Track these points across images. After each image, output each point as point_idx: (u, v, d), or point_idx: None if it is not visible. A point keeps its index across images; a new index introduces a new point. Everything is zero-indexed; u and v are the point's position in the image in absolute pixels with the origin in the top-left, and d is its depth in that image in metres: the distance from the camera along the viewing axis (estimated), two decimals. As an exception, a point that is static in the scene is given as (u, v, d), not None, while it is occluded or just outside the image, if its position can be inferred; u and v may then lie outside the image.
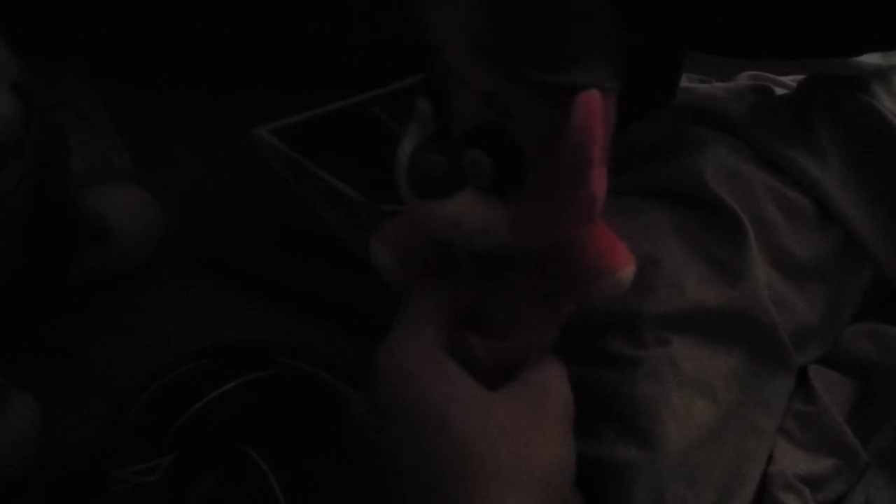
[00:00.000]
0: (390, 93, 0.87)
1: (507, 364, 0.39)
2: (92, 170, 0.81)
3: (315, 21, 0.91)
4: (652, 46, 0.61)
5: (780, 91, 0.66)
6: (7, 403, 0.59)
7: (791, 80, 0.69)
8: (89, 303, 0.71)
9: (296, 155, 0.79)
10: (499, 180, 0.35)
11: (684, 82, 0.71)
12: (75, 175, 0.72)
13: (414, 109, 0.38)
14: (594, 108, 0.33)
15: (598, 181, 0.35)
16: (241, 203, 0.81)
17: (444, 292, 0.40)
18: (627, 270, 0.39)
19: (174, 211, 0.77)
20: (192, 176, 0.83)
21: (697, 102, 0.63)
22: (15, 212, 0.58)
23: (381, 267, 0.42)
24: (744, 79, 0.70)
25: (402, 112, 0.85)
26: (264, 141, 0.81)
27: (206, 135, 0.87)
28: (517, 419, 0.37)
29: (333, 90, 0.86)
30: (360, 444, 0.57)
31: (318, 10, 0.90)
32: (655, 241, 0.54)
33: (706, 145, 0.58)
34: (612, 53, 0.34)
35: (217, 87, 0.90)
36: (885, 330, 0.57)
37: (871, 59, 0.63)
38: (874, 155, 0.58)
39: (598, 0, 0.34)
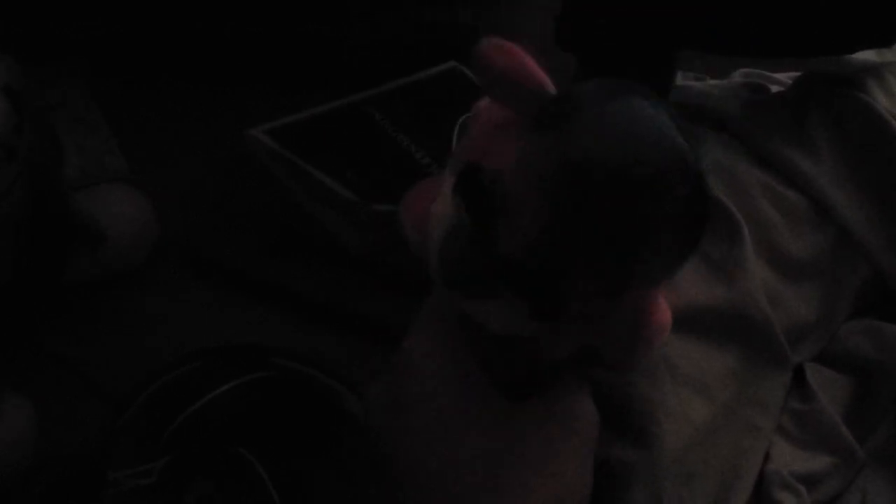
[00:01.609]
0: (385, 93, 0.87)
1: (526, 370, 0.39)
2: (87, 171, 0.81)
3: (311, 21, 0.91)
4: (647, 45, 0.61)
5: (774, 88, 0.66)
6: (3, 406, 0.59)
7: (786, 77, 0.68)
8: (85, 305, 0.71)
9: (290, 155, 0.79)
10: (533, 312, 0.32)
11: (679, 80, 0.71)
12: (70, 177, 0.72)
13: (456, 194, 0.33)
14: (660, 312, 0.32)
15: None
16: (238, 204, 0.81)
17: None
18: (664, 335, 0.37)
19: (171, 212, 0.77)
20: (188, 177, 0.83)
21: (692, 101, 0.63)
22: (8, 215, 0.58)
23: (407, 238, 0.39)
24: (738, 76, 0.70)
25: (397, 112, 0.85)
26: (259, 141, 0.81)
27: (204, 135, 0.87)
28: (539, 440, 0.36)
29: (329, 90, 0.86)
30: (356, 445, 0.57)
31: (314, 11, 0.90)
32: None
33: (701, 143, 0.58)
34: (680, 260, 0.30)
35: (214, 87, 0.90)
36: (882, 327, 0.57)
37: (866, 56, 0.63)
38: (869, 152, 0.58)
39: (678, 193, 0.29)
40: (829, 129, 0.59)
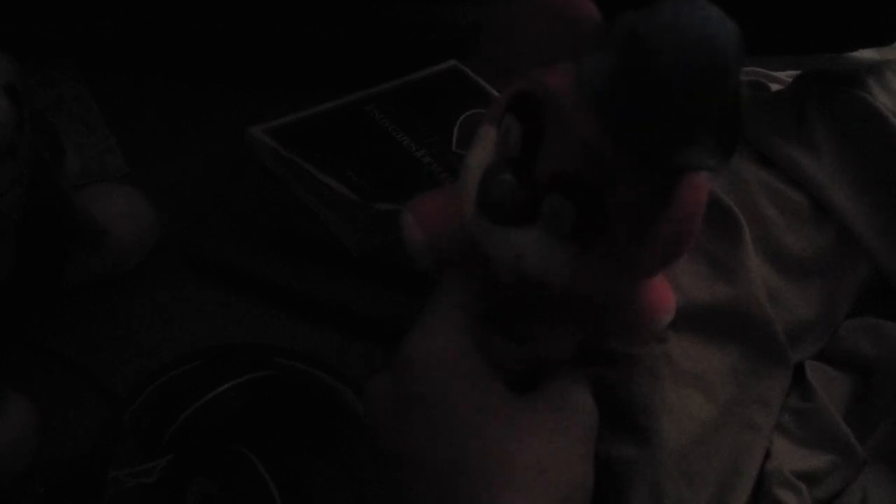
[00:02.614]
0: (386, 92, 0.87)
1: (529, 367, 0.39)
2: (87, 170, 0.81)
3: (311, 20, 0.91)
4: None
5: (774, 87, 0.66)
6: (5, 406, 0.59)
7: (786, 75, 0.68)
8: (85, 304, 0.71)
9: (290, 154, 0.78)
10: (576, 230, 0.33)
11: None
12: (70, 176, 0.72)
13: (494, 123, 0.35)
14: (701, 194, 0.32)
15: None
16: (238, 203, 0.81)
17: (473, 286, 0.39)
18: (668, 316, 0.39)
19: (171, 211, 0.77)
20: (186, 176, 0.83)
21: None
22: (9, 213, 0.58)
23: (411, 243, 0.40)
24: (739, 75, 0.70)
25: (397, 111, 0.85)
26: (259, 140, 0.81)
27: (203, 134, 0.87)
28: (544, 434, 0.36)
29: (329, 89, 0.86)
30: (357, 444, 0.57)
31: (314, 10, 0.90)
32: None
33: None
34: (730, 137, 0.31)
35: (212, 86, 0.90)
36: (882, 326, 0.57)
37: (866, 54, 0.63)
38: (869, 150, 0.58)
39: (731, 84, 0.31)
40: (828, 127, 0.58)
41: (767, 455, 0.53)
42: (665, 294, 0.39)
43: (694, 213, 0.34)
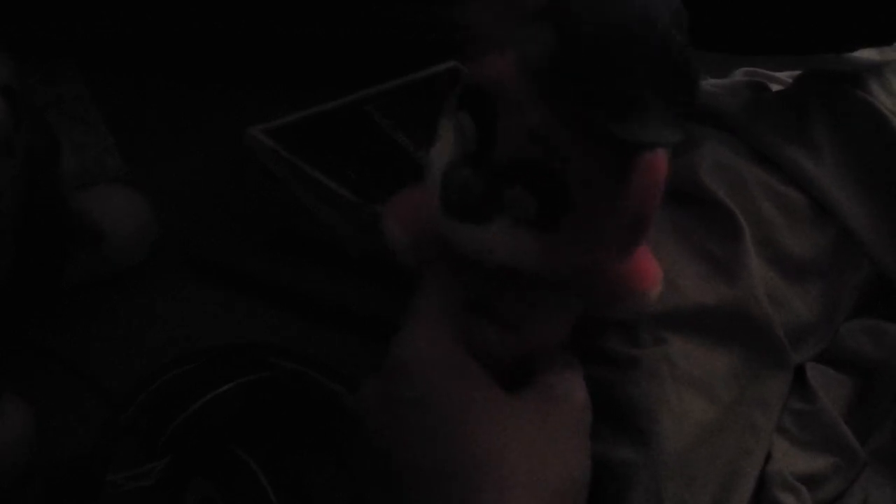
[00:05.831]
0: (385, 92, 0.87)
1: (519, 357, 0.39)
2: (85, 171, 0.81)
3: (311, 21, 0.91)
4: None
5: (775, 87, 0.66)
6: (3, 407, 0.59)
7: (787, 76, 0.68)
8: (84, 304, 0.71)
9: (290, 155, 0.78)
10: (541, 218, 0.33)
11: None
12: (68, 176, 0.72)
13: (452, 119, 0.35)
14: (660, 171, 0.32)
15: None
16: (238, 203, 0.81)
17: (457, 279, 0.39)
18: (656, 291, 0.38)
19: (170, 211, 0.77)
20: (185, 177, 0.83)
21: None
22: (6, 214, 0.58)
23: (393, 243, 0.41)
24: (739, 75, 0.70)
25: (397, 111, 0.85)
26: (258, 141, 0.81)
27: (201, 135, 0.87)
28: (537, 430, 0.36)
29: (328, 89, 0.86)
30: (355, 445, 0.57)
31: (314, 10, 0.90)
32: (652, 239, 0.54)
33: (701, 142, 0.58)
34: (682, 108, 0.31)
35: (211, 86, 0.90)
36: (883, 327, 0.56)
37: (866, 54, 0.63)
38: (870, 151, 0.58)
39: (679, 56, 0.31)
40: (830, 128, 0.58)
41: (768, 457, 0.52)
42: (646, 265, 0.39)
43: (653, 190, 0.34)
